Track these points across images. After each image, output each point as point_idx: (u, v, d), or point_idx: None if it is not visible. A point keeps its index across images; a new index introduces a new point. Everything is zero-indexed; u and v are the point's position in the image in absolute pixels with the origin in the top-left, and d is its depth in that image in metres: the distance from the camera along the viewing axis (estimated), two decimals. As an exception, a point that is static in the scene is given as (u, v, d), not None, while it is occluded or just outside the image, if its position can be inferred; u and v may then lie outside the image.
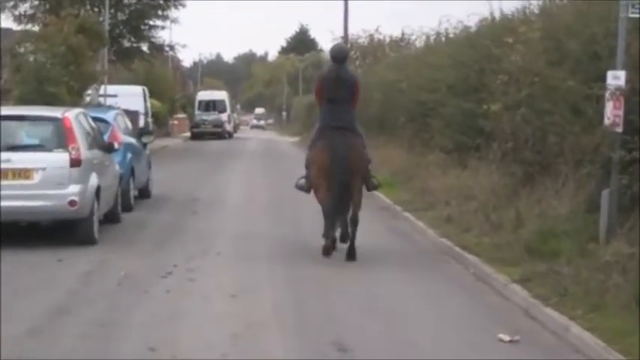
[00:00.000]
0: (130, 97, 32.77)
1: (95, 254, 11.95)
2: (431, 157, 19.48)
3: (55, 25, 25.50)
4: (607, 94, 10.30)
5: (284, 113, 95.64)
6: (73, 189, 12.26)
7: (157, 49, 43.99)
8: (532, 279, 9.77)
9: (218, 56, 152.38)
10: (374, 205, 16.68)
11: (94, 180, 12.76)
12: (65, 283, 10.14)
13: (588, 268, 9.34)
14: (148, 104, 37.46)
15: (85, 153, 12.62)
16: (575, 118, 11.90)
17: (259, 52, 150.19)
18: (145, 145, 19.01)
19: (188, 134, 56.42)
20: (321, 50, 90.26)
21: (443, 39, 24.02)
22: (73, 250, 12.05)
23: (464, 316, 9.06)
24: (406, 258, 12.33)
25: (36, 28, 32.54)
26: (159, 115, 47.48)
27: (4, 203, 11.94)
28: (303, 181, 12.51)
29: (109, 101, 30.05)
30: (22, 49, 24.78)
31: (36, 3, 37.37)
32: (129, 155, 16.73)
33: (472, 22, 20.04)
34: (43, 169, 12.23)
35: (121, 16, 40.69)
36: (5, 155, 12.10)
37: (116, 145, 14.84)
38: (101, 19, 33.78)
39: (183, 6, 42.31)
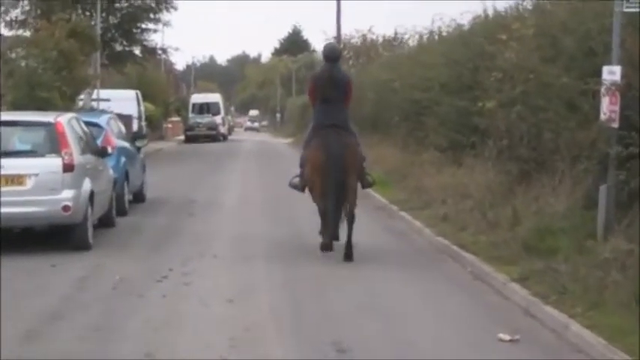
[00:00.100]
0: (123, 101, 32.68)
1: (90, 259, 11.87)
2: (425, 156, 19.44)
3: (46, 30, 25.39)
4: (603, 90, 10.27)
5: (278, 115, 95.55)
6: (67, 194, 12.18)
7: (150, 52, 43.84)
8: (530, 277, 9.71)
9: (211, 58, 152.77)
10: (370, 205, 16.64)
11: (87, 185, 12.68)
12: (59, 289, 10.05)
13: (586, 266, 9.29)
14: (142, 108, 37.34)
15: (78, 158, 12.54)
16: (571, 113, 11.86)
17: (252, 54, 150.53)
18: (138, 148, 18.93)
19: (182, 137, 56.31)
20: (314, 51, 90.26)
21: (436, 37, 24.01)
22: (67, 256, 11.97)
23: (463, 316, 9.00)
24: (403, 257, 12.28)
25: (27, 34, 32.45)
26: (153, 119, 47.39)
27: (-2, 210, 11.85)
28: (297, 179, 12.49)
29: (102, 105, 29.98)
30: (13, 55, 24.66)
31: (27, 8, 37.24)
32: (123, 159, 16.64)
33: (465, 21, 20.06)
34: (36, 174, 12.14)
35: (112, 20, 40.54)
36: (-2, 162, 12.01)
37: (110, 150, 14.76)
38: (93, 23, 33.66)
39: (175, 9, 42.23)
